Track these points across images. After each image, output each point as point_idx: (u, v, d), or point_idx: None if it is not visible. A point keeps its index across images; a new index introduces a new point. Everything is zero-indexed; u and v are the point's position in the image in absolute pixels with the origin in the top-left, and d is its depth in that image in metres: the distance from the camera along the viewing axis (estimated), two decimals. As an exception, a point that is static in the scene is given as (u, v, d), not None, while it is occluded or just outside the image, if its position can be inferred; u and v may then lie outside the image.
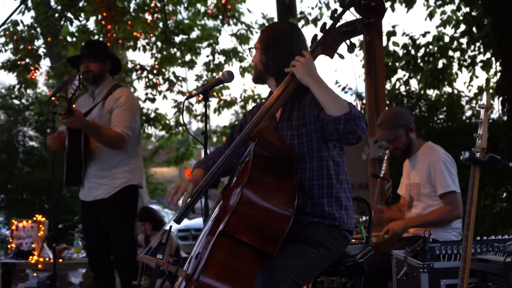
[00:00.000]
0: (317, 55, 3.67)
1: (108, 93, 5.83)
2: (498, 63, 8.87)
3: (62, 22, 10.35)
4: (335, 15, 3.69)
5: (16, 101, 15.35)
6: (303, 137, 3.72)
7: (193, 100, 10.57)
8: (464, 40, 9.48)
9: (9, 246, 9.34)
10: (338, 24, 3.67)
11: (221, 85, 10.04)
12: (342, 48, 3.68)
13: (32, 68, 10.08)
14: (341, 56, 3.70)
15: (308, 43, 3.77)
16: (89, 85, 6.15)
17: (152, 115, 11.04)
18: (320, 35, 3.69)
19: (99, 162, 5.78)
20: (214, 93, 10.64)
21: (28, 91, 11.80)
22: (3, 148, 14.87)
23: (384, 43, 9.55)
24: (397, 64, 9.63)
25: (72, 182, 5.95)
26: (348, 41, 3.67)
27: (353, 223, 3.87)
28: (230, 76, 4.18)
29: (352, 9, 3.69)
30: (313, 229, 3.67)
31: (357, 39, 4.49)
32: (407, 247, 4.41)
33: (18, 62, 10.14)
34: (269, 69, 3.81)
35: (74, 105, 5.80)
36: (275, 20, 11.22)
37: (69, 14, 10.08)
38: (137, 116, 5.90)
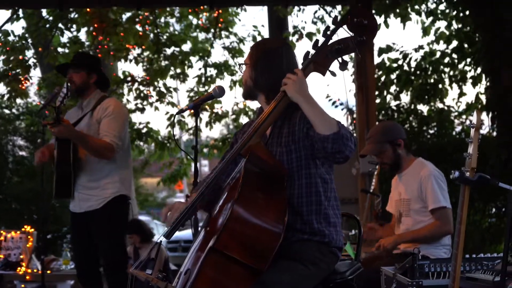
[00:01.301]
0: (309, 73, 3.66)
1: (96, 104, 5.83)
2: (487, 79, 8.93)
3: (53, 33, 10.34)
4: (328, 32, 3.70)
5: (6, 111, 15.29)
6: (292, 154, 3.72)
7: (185, 113, 10.57)
8: (455, 56, 9.51)
9: (-5, 257, 9.30)
10: (331, 41, 3.69)
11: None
12: (334, 65, 3.69)
13: (22, 78, 10.05)
14: (333, 74, 3.70)
15: (300, 60, 3.78)
16: (75, 97, 6.14)
17: (144, 130, 11.03)
18: (312, 52, 3.70)
19: (89, 173, 5.77)
20: (206, 106, 10.65)
21: (19, 100, 11.80)
22: (-9, 157, 14.81)
23: (377, 60, 9.62)
24: (390, 76, 9.64)
25: (62, 194, 5.93)
26: (340, 59, 3.67)
27: (342, 239, 3.88)
28: (221, 91, 4.19)
29: (344, 26, 3.70)
30: (303, 246, 3.67)
31: (348, 56, 4.51)
32: (397, 264, 4.41)
33: (9, 73, 10.12)
34: (259, 85, 3.82)
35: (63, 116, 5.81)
36: (267, 33, 11.27)
37: (60, 25, 10.07)
38: (126, 126, 5.89)
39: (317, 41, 3.71)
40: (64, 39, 10.74)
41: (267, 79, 3.77)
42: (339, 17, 3.76)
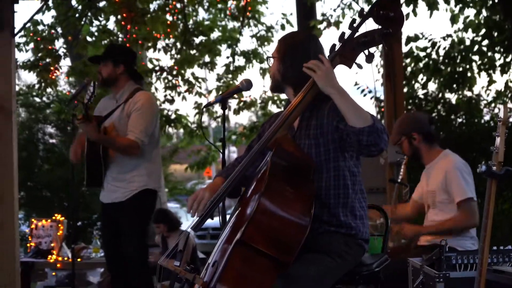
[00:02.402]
0: (335, 65, 3.66)
1: (129, 97, 5.88)
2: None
3: (82, 22, 10.42)
4: (354, 25, 3.70)
5: (37, 99, 15.42)
6: (320, 147, 3.74)
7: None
8: (484, 43, 9.43)
9: (28, 244, 9.43)
10: (357, 34, 3.68)
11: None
12: (360, 57, 3.69)
13: (52, 68, 10.14)
14: (360, 66, 3.71)
15: (326, 52, 3.78)
16: (105, 89, 6.20)
17: (173, 116, 11.05)
18: (338, 44, 3.70)
19: (118, 165, 5.84)
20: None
21: (49, 90, 11.90)
22: (24, 145, 14.90)
23: (404, 49, 9.56)
24: (419, 64, 9.58)
25: (93, 183, 6.01)
26: (366, 51, 3.68)
27: (368, 231, 3.90)
28: (248, 84, 4.21)
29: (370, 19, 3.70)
30: (329, 238, 3.69)
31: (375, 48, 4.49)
32: (424, 255, 4.41)
33: (40, 64, 10.21)
34: (287, 79, 3.84)
35: (93, 108, 5.88)
36: (295, 21, 11.25)
37: (89, 14, 10.13)
38: (155, 121, 5.93)
39: (343, 33, 3.71)
40: (93, 28, 10.80)
41: (295, 72, 3.78)
42: (365, 10, 3.75)
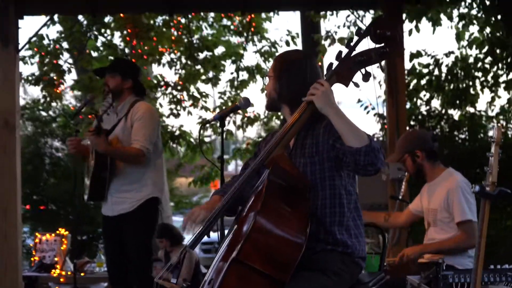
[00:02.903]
0: (332, 84, 3.66)
1: (129, 108, 5.93)
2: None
3: (87, 37, 10.50)
4: (351, 44, 3.72)
5: (43, 113, 15.50)
6: (316, 165, 3.75)
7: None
8: (487, 60, 9.44)
9: (32, 259, 9.49)
10: (354, 53, 3.70)
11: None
12: (358, 76, 3.71)
13: (56, 83, 10.21)
14: (356, 85, 3.72)
15: (324, 70, 3.80)
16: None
17: (177, 132, 11.07)
18: (335, 63, 3.72)
19: (122, 177, 5.88)
20: (239, 110, 10.68)
21: (54, 103, 11.96)
22: (29, 159, 14.98)
23: (408, 65, 9.58)
24: (421, 82, 9.60)
25: (95, 198, 6.05)
26: (363, 70, 3.70)
27: (365, 249, 3.91)
28: (246, 103, 4.24)
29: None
30: (326, 257, 3.69)
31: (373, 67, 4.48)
32: (422, 273, 4.43)
33: (44, 77, 10.28)
34: (283, 97, 3.85)
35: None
36: (300, 37, 11.27)
37: (94, 30, 10.22)
38: (157, 129, 5.99)
39: (340, 52, 3.73)
40: (98, 43, 10.87)
41: (291, 91, 3.80)
42: (362, 28, 3.78)
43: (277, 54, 10.84)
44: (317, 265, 3.65)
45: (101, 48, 10.85)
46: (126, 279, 6.00)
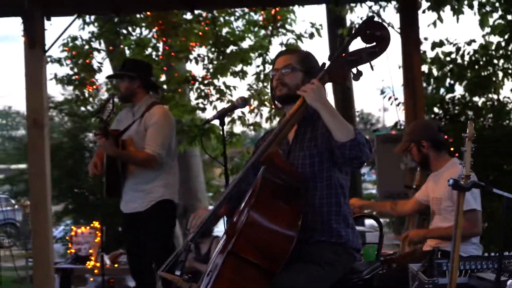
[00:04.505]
0: (325, 83, 3.83)
1: (146, 110, 6.12)
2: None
3: (118, 35, 10.71)
4: (342, 44, 3.87)
5: (82, 108, 15.78)
6: (315, 157, 3.94)
7: (245, 110, 10.75)
8: (510, 48, 9.42)
9: (68, 251, 9.77)
10: (345, 53, 3.84)
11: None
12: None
13: (87, 82, 10.47)
14: (347, 83, 3.89)
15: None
16: (124, 103, 6.46)
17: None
18: (328, 63, 3.87)
19: (136, 177, 6.08)
20: (266, 102, 10.81)
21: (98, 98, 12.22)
22: (70, 153, 15.29)
23: (430, 54, 9.64)
24: (445, 69, 9.61)
25: (112, 194, 6.25)
26: (354, 69, 3.84)
27: (360, 241, 4.07)
28: (243, 102, 4.44)
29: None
30: (319, 248, 3.88)
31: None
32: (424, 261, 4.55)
33: (76, 77, 10.53)
34: None
35: (113, 119, 6.14)
36: (325, 29, 11.35)
37: (123, 30, 10.44)
38: (171, 134, 6.14)
39: (333, 52, 3.89)
40: (131, 41, 11.07)
41: None
42: (354, 28, 3.93)
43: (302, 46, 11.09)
44: (311, 256, 3.82)
45: (132, 47, 11.01)
46: (146, 271, 6.21)
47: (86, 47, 10.61)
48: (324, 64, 3.87)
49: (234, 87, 10.80)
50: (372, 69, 3.85)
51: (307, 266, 3.77)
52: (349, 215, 4.01)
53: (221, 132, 4.46)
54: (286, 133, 3.90)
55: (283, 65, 4.07)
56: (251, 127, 11.19)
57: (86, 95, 10.92)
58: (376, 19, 9.47)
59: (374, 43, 3.80)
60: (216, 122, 4.52)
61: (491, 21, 9.56)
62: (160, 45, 10.88)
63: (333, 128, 3.67)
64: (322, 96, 3.72)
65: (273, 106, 11.44)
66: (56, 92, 24.65)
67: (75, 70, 10.66)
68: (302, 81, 3.97)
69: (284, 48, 10.85)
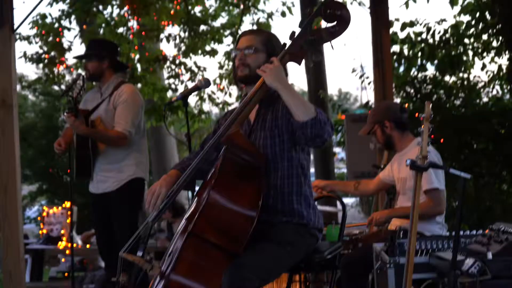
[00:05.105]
0: (285, 63, 3.83)
1: (114, 90, 6.12)
2: (506, 51, 8.94)
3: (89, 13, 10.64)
4: (302, 23, 3.86)
5: (55, 87, 15.66)
6: (275, 138, 3.93)
7: (214, 88, 10.77)
8: (479, 26, 9.46)
9: (40, 232, 9.76)
10: (305, 32, 3.83)
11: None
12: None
13: (56, 61, 10.40)
14: (309, 63, 3.88)
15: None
16: (92, 83, 6.44)
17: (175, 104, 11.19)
18: (288, 43, 3.87)
19: (106, 156, 6.06)
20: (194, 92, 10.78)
21: (68, 77, 12.13)
22: (43, 133, 15.25)
23: (401, 35, 9.66)
24: (416, 49, 9.65)
25: (82, 175, 6.23)
26: (314, 49, 3.84)
27: (322, 221, 4.08)
28: (206, 83, 4.43)
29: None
30: (281, 229, 3.88)
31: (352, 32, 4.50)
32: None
33: (46, 56, 10.46)
34: None
35: (80, 102, 6.12)
36: (297, 7, 11.35)
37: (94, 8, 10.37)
38: (140, 112, 6.15)
39: (293, 32, 3.87)
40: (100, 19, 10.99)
41: None
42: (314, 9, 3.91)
43: (272, 24, 11.09)
44: (273, 236, 3.83)
45: (104, 25, 10.94)
46: (116, 254, 6.20)
47: (56, 25, 10.51)
48: (285, 44, 3.86)
49: (205, 68, 10.77)
50: (333, 48, 3.86)
51: (270, 247, 3.77)
52: (309, 195, 4.01)
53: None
54: (247, 114, 3.90)
55: (245, 46, 4.05)
56: (220, 106, 11.19)
57: (56, 74, 10.80)
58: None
59: (335, 23, 3.79)
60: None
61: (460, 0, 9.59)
62: (133, 23, 10.83)
63: (293, 108, 3.66)
64: (282, 76, 3.72)
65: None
66: (30, 71, 24.49)
67: (45, 48, 10.56)
68: (264, 63, 3.90)
69: (255, 27, 10.86)
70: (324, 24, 3.84)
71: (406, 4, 8.98)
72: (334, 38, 3.83)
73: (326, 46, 3.84)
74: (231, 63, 11.05)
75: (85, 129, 5.87)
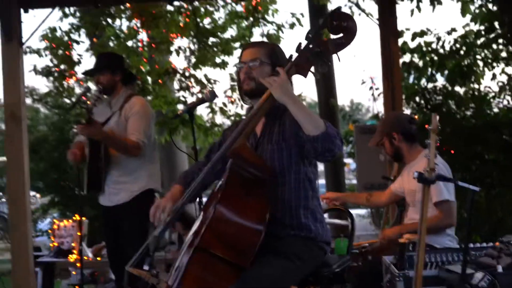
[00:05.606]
0: (291, 75, 3.79)
1: (124, 102, 6.11)
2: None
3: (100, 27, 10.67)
4: (309, 36, 3.83)
5: (66, 100, 15.67)
6: (283, 151, 3.91)
7: (226, 100, 10.75)
8: (489, 36, 9.42)
9: (51, 245, 9.73)
10: (311, 45, 3.81)
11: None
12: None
13: (66, 74, 10.42)
14: (315, 75, 3.85)
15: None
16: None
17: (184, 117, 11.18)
18: (294, 55, 3.84)
19: (118, 168, 6.05)
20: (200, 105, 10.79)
21: (77, 90, 12.16)
22: (55, 146, 15.23)
23: (411, 45, 9.63)
24: (426, 59, 9.62)
25: (93, 188, 6.21)
26: (320, 61, 3.81)
27: (329, 234, 4.05)
28: (212, 96, 4.41)
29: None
30: (289, 242, 3.85)
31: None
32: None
33: (57, 69, 10.48)
34: None
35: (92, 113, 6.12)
36: (307, 19, 11.33)
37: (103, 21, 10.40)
38: (151, 123, 6.15)
39: (300, 44, 3.85)
40: (110, 33, 11.01)
41: None
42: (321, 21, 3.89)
43: (283, 36, 11.06)
44: (280, 250, 3.80)
45: (112, 38, 10.97)
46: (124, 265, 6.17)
47: (66, 38, 10.54)
48: (291, 56, 3.83)
49: (215, 81, 10.76)
50: (339, 60, 3.83)
51: (278, 260, 3.75)
52: (317, 209, 3.99)
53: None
54: (253, 126, 3.87)
55: (250, 58, 4.04)
56: (232, 118, 11.16)
57: (66, 87, 10.82)
58: (355, 9, 9.70)
59: (341, 34, 3.76)
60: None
61: (472, 9, 9.55)
62: (143, 36, 10.85)
63: (302, 122, 3.63)
64: (289, 89, 3.68)
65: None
66: (41, 84, 24.60)
67: (55, 61, 10.58)
68: (269, 75, 3.89)
69: (265, 39, 10.85)
70: (330, 35, 3.82)
71: (412, 12, 8.97)
72: (340, 49, 3.80)
73: (333, 57, 3.80)
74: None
75: (103, 134, 5.86)
